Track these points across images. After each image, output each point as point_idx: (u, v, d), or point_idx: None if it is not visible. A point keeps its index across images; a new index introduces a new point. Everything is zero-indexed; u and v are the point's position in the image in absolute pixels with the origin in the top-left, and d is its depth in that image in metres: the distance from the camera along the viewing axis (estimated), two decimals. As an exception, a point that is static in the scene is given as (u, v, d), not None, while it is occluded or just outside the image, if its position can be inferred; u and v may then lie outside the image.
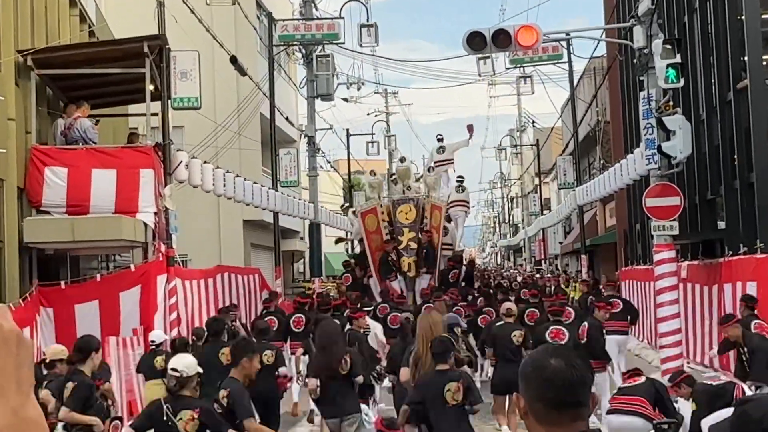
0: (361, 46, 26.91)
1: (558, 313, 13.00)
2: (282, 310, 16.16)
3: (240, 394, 7.24)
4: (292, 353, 14.14)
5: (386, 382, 11.60)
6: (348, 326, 12.45)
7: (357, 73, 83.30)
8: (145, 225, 14.15)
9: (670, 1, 20.46)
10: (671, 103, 14.08)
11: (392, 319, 15.55)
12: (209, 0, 21.63)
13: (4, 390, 1.20)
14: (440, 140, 25.34)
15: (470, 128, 25.87)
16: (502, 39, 13.67)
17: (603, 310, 12.79)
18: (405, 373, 8.94)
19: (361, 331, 12.41)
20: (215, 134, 23.56)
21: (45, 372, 9.35)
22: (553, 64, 29.67)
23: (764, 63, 15.58)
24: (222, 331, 11.33)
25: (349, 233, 31.07)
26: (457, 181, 25.16)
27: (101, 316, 13.41)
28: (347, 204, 30.03)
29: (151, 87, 14.77)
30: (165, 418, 6.48)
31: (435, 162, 24.79)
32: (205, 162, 17.00)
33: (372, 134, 45.30)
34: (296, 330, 14.55)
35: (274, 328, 13.71)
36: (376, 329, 13.83)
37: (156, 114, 15.19)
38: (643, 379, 9.32)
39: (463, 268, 22.55)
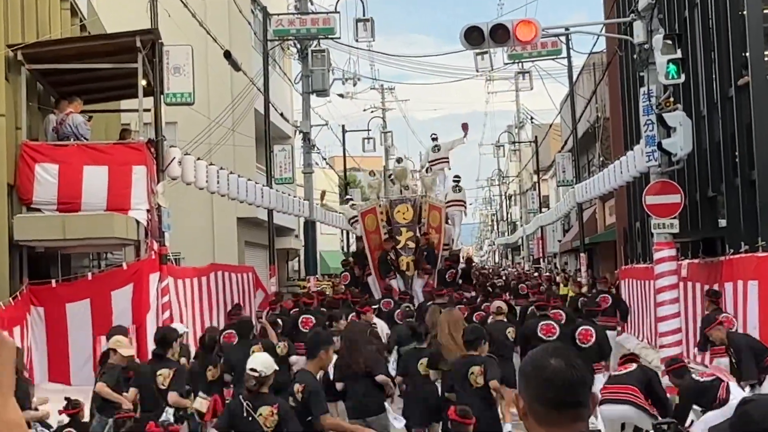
0: (357, 41, 26.91)
1: (545, 308, 13.53)
2: (287, 311, 16.26)
3: (316, 389, 7.42)
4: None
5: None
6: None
7: (353, 68, 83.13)
8: (138, 222, 14.15)
9: (670, -5, 20.48)
10: (672, 99, 14.10)
11: (399, 314, 15.93)
12: (203, -6, 21.62)
13: None
14: (435, 139, 25.87)
15: (465, 126, 26.19)
16: (501, 34, 13.67)
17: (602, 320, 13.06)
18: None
19: (371, 325, 12.72)
20: (209, 130, 23.53)
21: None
22: (552, 59, 29.62)
23: (766, 59, 15.59)
24: (251, 332, 11.90)
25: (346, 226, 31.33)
26: (454, 181, 25.55)
27: (93, 315, 13.41)
28: (349, 197, 30.13)
29: (144, 82, 14.76)
30: (245, 414, 6.82)
31: (430, 161, 25.28)
32: (198, 158, 16.99)
33: (368, 130, 45.35)
34: (304, 330, 14.18)
35: (278, 331, 13.62)
36: (382, 327, 14.05)
37: (148, 110, 15.17)
38: (634, 366, 9.46)
39: (461, 266, 23.26)
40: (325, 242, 43.01)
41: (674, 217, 14.47)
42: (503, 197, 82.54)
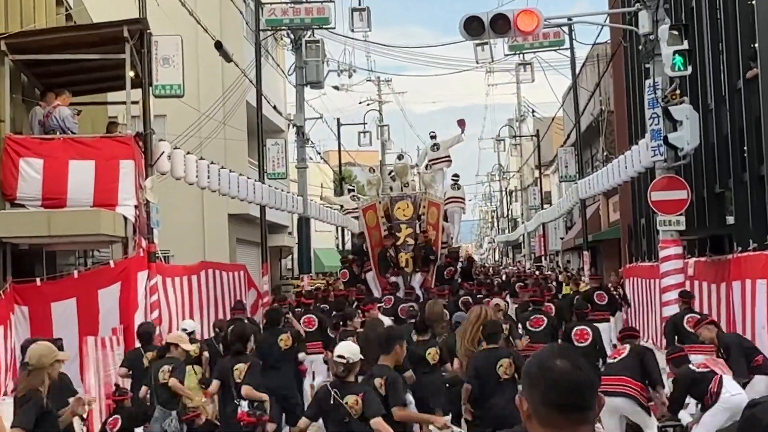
0: (352, 31, 26.93)
1: (539, 303, 14.69)
2: (293, 307, 16.58)
3: (396, 381, 7.90)
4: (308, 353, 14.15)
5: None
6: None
7: (348, 59, 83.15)
8: (125, 219, 14.12)
9: (677, -16, 20.50)
10: (678, 91, 14.11)
11: (402, 311, 16.38)
12: (193, -18, 21.58)
13: None
14: (433, 137, 26.37)
15: (461, 123, 26.75)
16: (501, 24, 13.67)
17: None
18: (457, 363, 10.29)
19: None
20: (199, 124, 23.52)
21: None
22: (555, 50, 29.65)
23: (775, 50, 15.60)
24: (280, 320, 12.60)
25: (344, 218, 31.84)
26: (453, 179, 26.19)
27: (79, 315, 13.38)
28: (351, 187, 30.32)
29: (132, 74, 14.72)
30: (333, 402, 7.30)
31: (430, 160, 25.87)
32: (188, 153, 16.97)
33: (364, 124, 45.42)
34: (309, 329, 14.44)
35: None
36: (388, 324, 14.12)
37: (136, 102, 15.14)
38: (627, 350, 9.82)
39: (460, 264, 24.04)
40: (319, 240, 42.99)
41: (680, 214, 14.50)
42: (504, 193, 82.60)
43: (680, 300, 13.93)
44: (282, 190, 25.15)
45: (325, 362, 13.45)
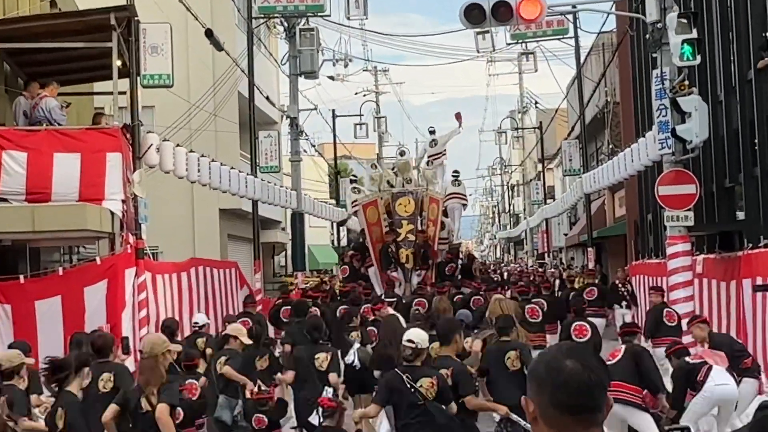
0: (348, 19, 26.96)
1: (526, 293, 16.28)
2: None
3: (464, 371, 8.49)
4: None
5: None
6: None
7: (344, 48, 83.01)
8: (112, 214, 14.11)
9: (685, -29, 20.48)
10: (686, 82, 14.12)
11: (418, 303, 17.22)
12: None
13: None
14: (432, 132, 27.25)
15: (458, 116, 27.65)
16: (503, 12, 13.67)
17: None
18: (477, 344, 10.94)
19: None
20: (189, 115, 23.50)
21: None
22: (558, 39, 29.70)
23: (788, 39, 15.59)
24: (307, 312, 13.54)
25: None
26: (453, 175, 26.64)
27: (64, 313, 13.37)
28: (354, 177, 30.52)
29: (119, 63, 14.71)
30: (407, 385, 7.77)
31: (429, 156, 26.57)
32: (177, 145, 16.96)
33: (360, 115, 45.34)
34: None
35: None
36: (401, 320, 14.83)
37: (124, 92, 15.12)
38: (622, 351, 10.14)
39: (460, 261, 24.71)
40: (314, 236, 43.02)
41: (689, 209, 14.51)
42: (505, 188, 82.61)
43: (656, 293, 15.39)
44: (275, 184, 25.16)
45: None
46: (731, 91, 17.67)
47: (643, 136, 18.40)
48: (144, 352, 7.85)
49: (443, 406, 7.80)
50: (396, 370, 8.03)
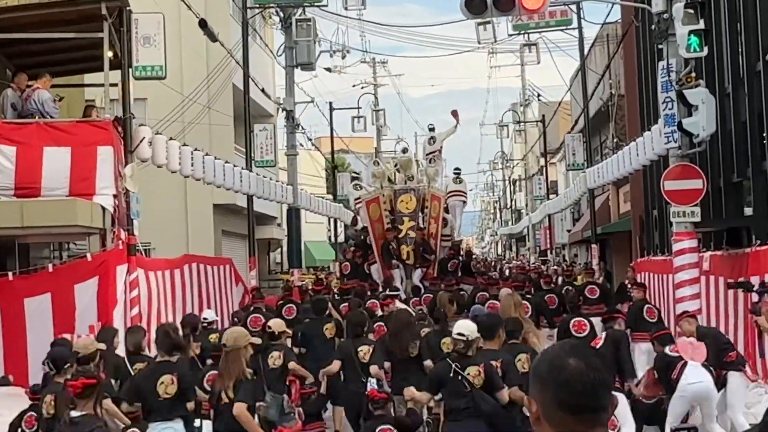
0: (346, 9, 26.93)
1: (520, 288, 17.21)
2: (298, 302, 17.39)
3: (512, 362, 8.95)
4: None
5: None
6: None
7: (341, 39, 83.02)
8: (103, 209, 14.11)
9: (692, -40, 20.46)
10: (693, 74, 14.11)
11: (425, 299, 17.74)
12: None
13: None
14: (431, 129, 27.66)
15: (455, 114, 28.16)
16: (505, 2, 13.66)
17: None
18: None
19: None
20: (182, 107, 23.49)
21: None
22: (562, 30, 29.66)
23: (797, 30, 15.60)
24: (326, 309, 13.99)
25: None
26: (455, 172, 27.17)
27: (54, 311, 13.38)
28: (355, 174, 30.68)
29: (110, 54, 14.70)
30: (454, 374, 8.35)
31: (427, 153, 27.04)
32: (170, 139, 16.95)
33: (358, 108, 45.27)
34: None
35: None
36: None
37: (115, 84, 15.12)
38: (603, 339, 10.56)
39: (460, 258, 25.24)
40: (310, 232, 42.98)
41: (695, 205, 14.50)
42: (507, 182, 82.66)
43: (638, 289, 16.17)
44: (270, 179, 25.15)
45: None
46: (739, 84, 17.67)
47: (649, 130, 18.40)
48: (227, 345, 8.49)
49: (491, 395, 8.29)
50: (446, 359, 8.73)
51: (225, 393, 8.41)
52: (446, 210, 25.29)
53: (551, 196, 46.25)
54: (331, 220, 42.18)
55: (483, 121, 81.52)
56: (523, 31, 30.49)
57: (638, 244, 28.90)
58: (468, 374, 8.30)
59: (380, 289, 20.52)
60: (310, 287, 21.78)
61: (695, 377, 10.04)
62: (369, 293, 18.52)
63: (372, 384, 10.79)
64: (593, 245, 30.04)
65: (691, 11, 13.32)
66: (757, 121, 16.56)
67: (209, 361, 10.97)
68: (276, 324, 11.67)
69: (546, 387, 2.35)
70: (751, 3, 16.45)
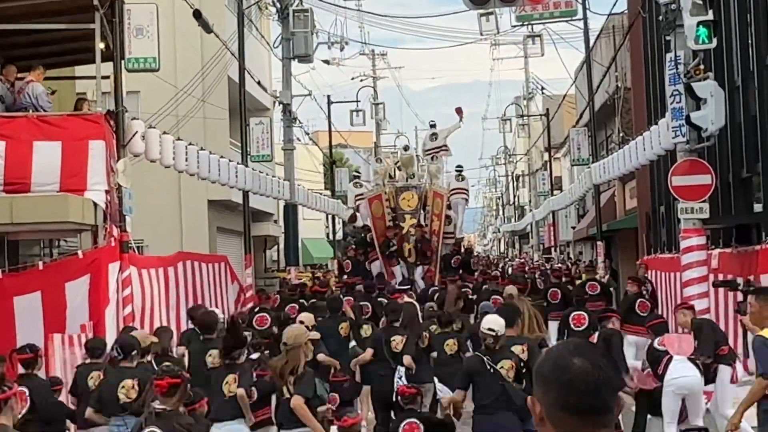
0: (344, -1, 26.83)
1: (522, 291, 17.13)
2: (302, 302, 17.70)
3: (535, 347, 9.45)
4: None
5: None
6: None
7: (339, 31, 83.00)
8: (95, 205, 14.10)
9: (701, -51, 20.45)
10: (702, 66, 14.09)
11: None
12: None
13: None
14: (433, 126, 27.72)
15: (459, 111, 28.04)
16: (508, -8, 13.64)
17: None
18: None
19: None
20: (176, 101, 23.46)
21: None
22: (566, 21, 29.68)
23: (809, 21, 15.60)
24: (340, 308, 14.29)
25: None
26: (456, 170, 27.54)
27: (44, 310, 13.36)
28: (357, 173, 30.73)
29: (102, 45, 14.67)
30: (488, 368, 8.78)
31: (428, 150, 27.22)
32: (164, 133, 16.94)
33: (357, 101, 45.36)
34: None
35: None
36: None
37: (107, 77, 15.10)
38: (596, 336, 11.00)
39: (461, 255, 25.81)
40: (308, 229, 43.00)
41: (704, 201, 14.51)
42: (510, 178, 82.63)
43: (633, 283, 16.87)
44: (267, 174, 25.14)
45: None
46: (749, 76, 17.67)
47: (656, 124, 18.39)
48: (288, 344, 8.91)
49: (521, 387, 8.66)
50: (477, 353, 9.20)
51: (286, 388, 8.81)
52: (449, 207, 25.68)
53: (555, 192, 46.29)
54: (329, 217, 42.13)
55: (485, 115, 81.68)
56: (526, 23, 30.54)
57: (645, 242, 28.90)
58: (501, 367, 8.73)
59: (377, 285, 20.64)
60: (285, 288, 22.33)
61: (679, 372, 10.23)
62: (377, 290, 18.85)
63: (400, 372, 11.52)
64: (599, 242, 30.03)
65: (700, 2, 13.32)
66: (767, 115, 16.57)
67: None
68: (307, 318, 12.07)
69: (549, 387, 2.34)
70: (761, -7, 16.45)
